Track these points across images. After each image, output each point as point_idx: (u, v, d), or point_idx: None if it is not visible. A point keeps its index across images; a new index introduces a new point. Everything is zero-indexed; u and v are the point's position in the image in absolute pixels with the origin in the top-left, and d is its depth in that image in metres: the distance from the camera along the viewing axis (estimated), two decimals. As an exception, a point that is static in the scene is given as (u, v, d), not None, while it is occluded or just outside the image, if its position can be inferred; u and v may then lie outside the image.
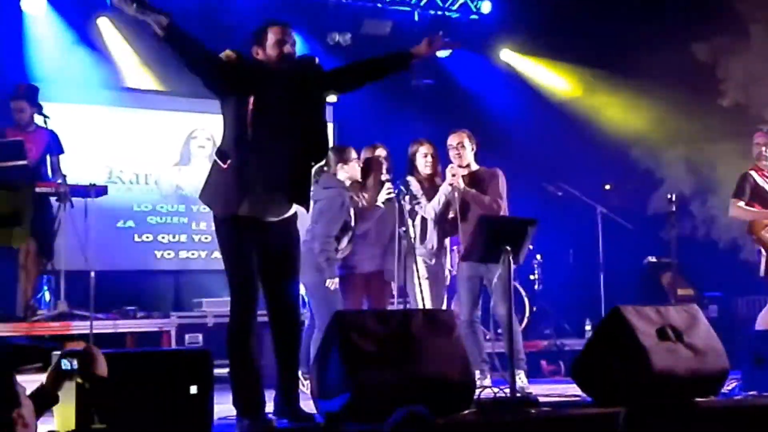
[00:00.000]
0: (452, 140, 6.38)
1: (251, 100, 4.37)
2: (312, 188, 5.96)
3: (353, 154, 6.27)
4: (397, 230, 5.99)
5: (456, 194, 6.16)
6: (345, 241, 6.10)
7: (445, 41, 4.87)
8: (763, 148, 6.71)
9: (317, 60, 4.69)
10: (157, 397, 4.02)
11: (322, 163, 5.58)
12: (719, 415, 4.75)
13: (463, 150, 6.33)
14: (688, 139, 9.76)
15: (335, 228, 6.01)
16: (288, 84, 4.50)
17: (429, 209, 6.29)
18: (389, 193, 6.18)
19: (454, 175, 6.17)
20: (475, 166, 6.42)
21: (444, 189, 6.22)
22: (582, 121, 9.92)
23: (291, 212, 4.57)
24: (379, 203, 6.24)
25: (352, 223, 6.14)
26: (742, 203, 6.64)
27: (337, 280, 6.01)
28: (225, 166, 4.40)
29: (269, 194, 4.43)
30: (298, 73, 4.56)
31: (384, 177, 6.29)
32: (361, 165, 6.30)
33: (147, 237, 8.97)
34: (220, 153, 4.45)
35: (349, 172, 6.19)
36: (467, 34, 10.37)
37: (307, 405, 4.64)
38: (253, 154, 4.37)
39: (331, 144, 7.55)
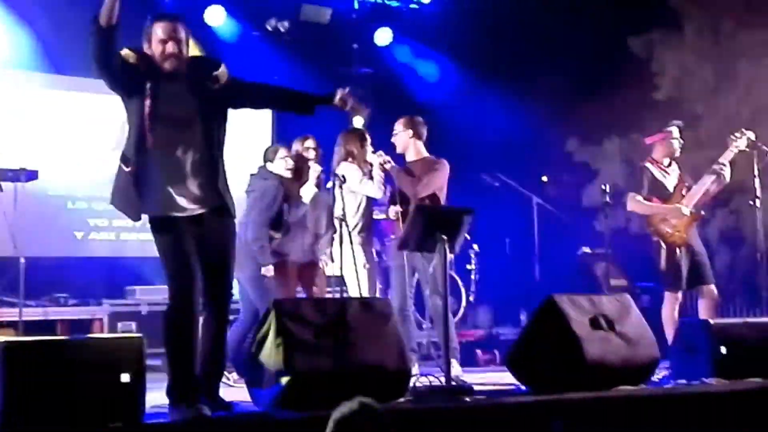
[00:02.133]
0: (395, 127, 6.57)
1: (147, 103, 4.26)
2: (250, 181, 6.09)
3: (282, 152, 6.42)
4: (333, 219, 6.05)
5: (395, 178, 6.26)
6: (282, 232, 6.21)
7: (353, 105, 4.83)
8: (673, 141, 6.71)
9: (223, 67, 4.49)
10: (87, 385, 3.94)
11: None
12: (649, 404, 4.82)
13: (396, 137, 6.53)
14: (623, 131, 9.89)
15: (268, 217, 6.15)
16: (185, 85, 4.37)
17: (375, 189, 6.28)
18: (318, 183, 6.34)
19: (385, 162, 6.24)
20: (424, 153, 6.48)
21: (377, 172, 6.28)
22: (519, 113, 9.99)
23: (216, 204, 4.47)
24: (307, 194, 6.28)
25: (287, 215, 6.23)
26: (640, 197, 6.67)
27: (271, 267, 6.12)
28: (128, 170, 4.34)
29: (178, 190, 4.36)
30: (197, 75, 4.42)
31: (314, 168, 6.39)
32: (293, 157, 6.40)
33: (79, 223, 8.79)
34: (123, 157, 4.38)
35: (280, 166, 6.36)
36: (407, 23, 10.39)
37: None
38: (152, 157, 4.31)
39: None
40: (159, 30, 4.33)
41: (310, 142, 6.51)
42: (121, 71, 4.27)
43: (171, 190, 4.35)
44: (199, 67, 4.48)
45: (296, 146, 6.50)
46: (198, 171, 4.40)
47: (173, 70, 4.33)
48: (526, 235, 8.54)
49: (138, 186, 4.33)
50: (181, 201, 4.37)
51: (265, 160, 6.45)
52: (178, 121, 4.35)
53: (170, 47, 4.32)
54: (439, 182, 6.37)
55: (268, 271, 6.09)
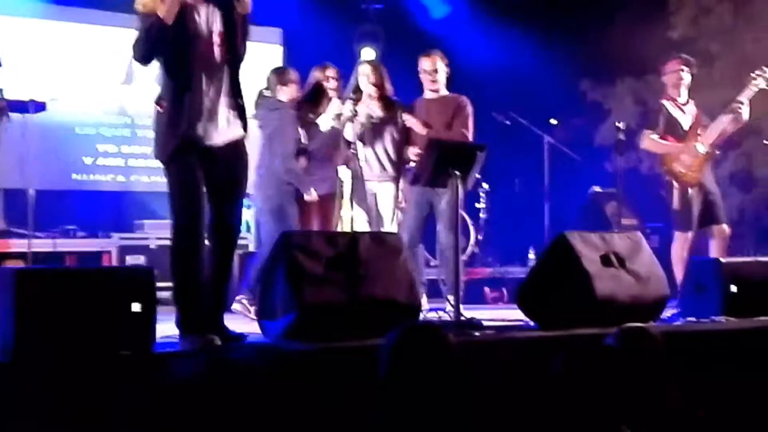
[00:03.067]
0: (425, 64, 6.29)
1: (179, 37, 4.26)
2: (256, 113, 5.95)
3: (292, 75, 6.23)
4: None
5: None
6: (302, 160, 6.09)
7: None
8: (681, 73, 6.63)
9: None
10: (98, 314, 3.95)
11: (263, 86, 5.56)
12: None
13: (436, 75, 6.25)
14: (637, 71, 9.78)
15: (293, 146, 6.01)
16: (211, 7, 4.36)
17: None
18: (339, 114, 6.12)
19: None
20: (444, 91, 6.35)
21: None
22: (531, 53, 9.87)
23: (236, 136, 4.47)
24: (325, 123, 6.18)
25: (305, 141, 6.11)
26: (655, 135, 6.59)
27: (314, 191, 6.06)
28: (162, 110, 4.34)
29: (209, 121, 4.36)
30: (222, 1, 4.38)
31: (334, 102, 6.22)
32: (312, 85, 6.26)
33: (89, 157, 8.77)
34: (158, 99, 4.37)
35: (288, 93, 6.16)
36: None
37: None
38: (187, 89, 4.30)
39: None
40: None
41: (331, 71, 6.28)
42: (159, 40, 4.24)
43: (193, 117, 4.31)
44: None
45: (316, 74, 6.28)
46: (222, 99, 4.39)
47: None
48: (536, 175, 8.49)
49: (170, 120, 4.31)
50: (201, 131, 4.35)
51: (271, 85, 6.19)
52: (205, 42, 4.33)
53: None
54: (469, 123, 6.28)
55: (311, 196, 6.03)
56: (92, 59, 8.77)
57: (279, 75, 6.21)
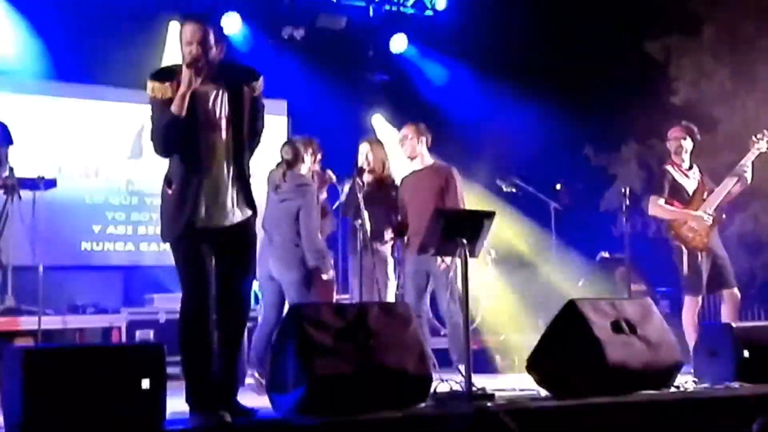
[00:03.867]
0: (401, 132, 6.58)
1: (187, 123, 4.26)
2: (281, 186, 5.98)
3: (314, 146, 6.28)
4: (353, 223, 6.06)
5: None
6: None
7: None
8: (682, 141, 6.71)
9: (261, 79, 4.45)
10: (108, 392, 3.93)
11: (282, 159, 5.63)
12: (672, 408, 4.78)
13: (407, 141, 6.46)
14: (641, 136, 9.85)
15: (318, 223, 6.07)
16: (220, 90, 4.36)
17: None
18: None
19: None
20: (429, 161, 6.45)
21: None
22: (535, 119, 9.96)
23: (243, 217, 4.48)
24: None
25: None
26: (662, 201, 6.61)
27: (332, 271, 6.13)
28: (171, 192, 4.35)
29: (214, 204, 4.36)
30: (233, 81, 4.38)
31: (329, 175, 6.41)
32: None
33: (97, 231, 8.81)
34: (167, 181, 4.39)
35: (306, 166, 6.21)
36: (422, 30, 10.39)
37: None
38: (194, 173, 4.31)
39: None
40: (186, 32, 4.30)
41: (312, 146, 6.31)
42: (177, 135, 4.27)
43: (199, 202, 4.32)
44: (236, 73, 4.44)
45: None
46: (228, 182, 4.39)
47: (198, 72, 4.27)
48: (543, 241, 8.50)
49: (178, 204, 4.32)
50: (205, 212, 4.35)
51: (296, 160, 6.13)
52: (212, 127, 4.34)
53: (195, 49, 4.27)
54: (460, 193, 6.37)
55: (330, 274, 6.07)
56: (100, 135, 8.87)
57: (297, 146, 6.19)
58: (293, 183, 6.02)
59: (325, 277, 6.03)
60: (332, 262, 6.28)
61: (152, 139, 4.38)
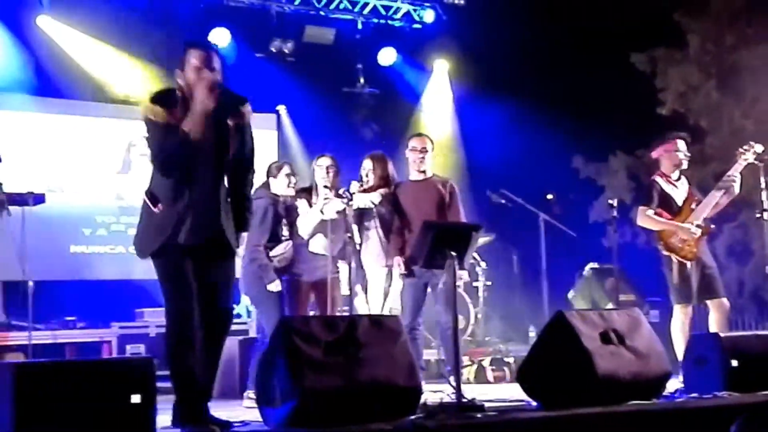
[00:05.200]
0: (416, 143, 6.44)
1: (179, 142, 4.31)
2: None
3: (284, 169, 6.30)
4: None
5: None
6: (280, 248, 6.13)
7: None
8: (677, 153, 6.67)
9: (248, 104, 4.51)
10: (98, 407, 3.93)
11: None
12: (661, 418, 4.80)
13: (426, 154, 6.39)
14: (628, 148, 9.91)
15: (263, 237, 6.06)
16: (212, 121, 4.38)
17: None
18: (326, 201, 6.20)
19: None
20: (429, 172, 6.48)
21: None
22: (524, 131, 10.00)
23: (228, 235, 4.51)
24: (318, 211, 6.23)
25: (283, 231, 6.17)
26: (651, 211, 6.62)
27: (278, 281, 6.06)
28: (155, 209, 4.38)
29: (195, 223, 4.39)
30: (222, 106, 4.40)
31: (326, 186, 6.28)
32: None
33: (87, 246, 8.81)
34: (151, 196, 4.41)
35: (277, 185, 6.26)
36: (410, 43, 10.44)
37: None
38: (182, 192, 4.36)
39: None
40: (193, 58, 4.36)
41: (323, 160, 6.36)
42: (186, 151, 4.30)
43: (185, 219, 4.37)
44: (225, 98, 4.45)
45: (313, 164, 6.44)
46: (215, 202, 4.45)
47: (214, 96, 4.32)
48: (533, 252, 8.52)
49: (163, 221, 4.37)
50: (186, 230, 4.38)
51: (268, 176, 6.32)
52: (198, 150, 4.36)
53: (209, 74, 4.34)
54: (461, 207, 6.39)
55: (275, 286, 6.04)
56: (89, 150, 8.88)
57: (272, 167, 6.33)
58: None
59: (270, 287, 6.02)
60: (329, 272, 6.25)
61: (156, 161, 4.38)
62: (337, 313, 6.26)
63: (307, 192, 6.34)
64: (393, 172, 6.53)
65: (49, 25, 8.74)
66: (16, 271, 6.77)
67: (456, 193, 6.40)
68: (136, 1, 9.00)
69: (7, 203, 6.70)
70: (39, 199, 7.07)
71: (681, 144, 6.74)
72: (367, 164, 6.47)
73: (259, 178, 6.42)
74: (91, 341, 7.38)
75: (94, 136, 8.97)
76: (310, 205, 6.27)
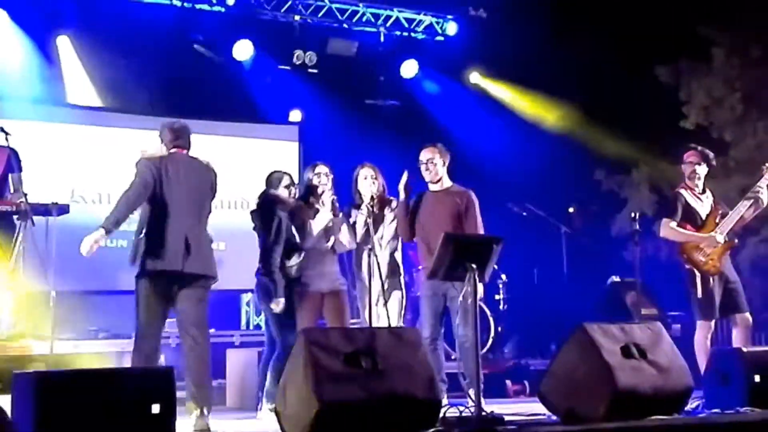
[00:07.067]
0: (422, 156, 6.41)
1: (161, 186, 5.34)
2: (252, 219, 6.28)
3: (284, 180, 6.31)
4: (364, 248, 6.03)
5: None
6: (295, 259, 6.11)
7: None
8: (696, 167, 6.69)
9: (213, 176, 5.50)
10: (119, 416, 3.95)
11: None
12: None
13: (432, 166, 6.35)
14: (651, 160, 9.86)
15: (278, 249, 6.03)
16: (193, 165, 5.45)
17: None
18: (333, 211, 6.22)
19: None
20: (448, 183, 6.43)
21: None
22: (547, 143, 9.99)
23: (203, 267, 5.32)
24: (318, 224, 6.23)
25: (297, 240, 6.15)
26: (674, 223, 6.58)
27: (282, 300, 5.97)
28: (141, 236, 5.31)
29: (181, 253, 5.23)
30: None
31: (326, 196, 6.27)
32: (305, 186, 6.37)
33: (109, 257, 8.83)
34: (139, 227, 5.36)
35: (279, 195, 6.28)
36: (433, 56, 10.45)
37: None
38: (160, 227, 5.25)
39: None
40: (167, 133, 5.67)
41: (320, 168, 6.35)
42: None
43: (166, 255, 5.19)
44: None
45: (307, 174, 6.42)
46: (196, 234, 5.29)
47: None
48: (554, 265, 8.49)
49: (146, 248, 5.28)
50: (171, 262, 5.18)
51: (268, 187, 6.29)
52: (185, 193, 5.32)
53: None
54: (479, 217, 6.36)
55: (278, 305, 5.96)
56: (112, 161, 8.93)
57: (273, 179, 6.33)
58: (256, 212, 6.28)
59: (273, 306, 5.98)
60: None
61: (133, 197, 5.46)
62: (348, 325, 6.23)
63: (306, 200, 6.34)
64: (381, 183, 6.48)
65: (70, 44, 8.87)
66: (40, 281, 6.80)
67: (474, 204, 6.35)
68: (161, 12, 9.07)
69: (31, 213, 6.76)
70: (63, 209, 7.12)
71: (695, 156, 6.69)
72: (368, 172, 6.43)
73: (259, 188, 6.48)
74: (113, 351, 7.40)
75: (117, 146, 9.00)
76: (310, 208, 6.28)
